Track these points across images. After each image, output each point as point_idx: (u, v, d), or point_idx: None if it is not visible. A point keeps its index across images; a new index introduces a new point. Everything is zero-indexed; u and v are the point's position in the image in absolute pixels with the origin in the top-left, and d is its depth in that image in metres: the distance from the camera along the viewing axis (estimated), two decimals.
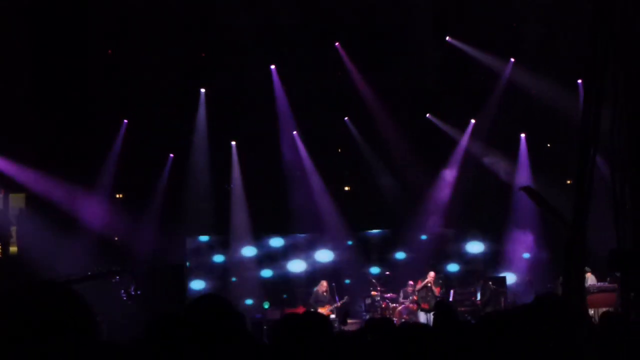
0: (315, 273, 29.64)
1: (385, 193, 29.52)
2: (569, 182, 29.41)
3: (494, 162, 28.90)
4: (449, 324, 11.49)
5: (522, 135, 29.44)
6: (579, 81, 27.44)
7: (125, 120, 27.94)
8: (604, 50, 6.75)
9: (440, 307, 12.32)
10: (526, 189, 12.98)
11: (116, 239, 28.52)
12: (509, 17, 26.49)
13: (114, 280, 22.28)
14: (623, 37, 6.65)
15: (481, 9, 26.03)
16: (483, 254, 30.73)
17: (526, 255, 29.78)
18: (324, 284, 26.41)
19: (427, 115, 29.26)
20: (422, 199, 29.57)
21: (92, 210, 27.26)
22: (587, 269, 24.61)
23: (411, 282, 27.17)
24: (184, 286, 28.26)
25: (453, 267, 30.58)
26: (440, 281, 26.66)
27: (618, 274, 23.60)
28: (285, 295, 29.06)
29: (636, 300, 6.38)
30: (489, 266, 29.93)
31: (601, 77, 6.57)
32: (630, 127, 6.58)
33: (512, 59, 27.74)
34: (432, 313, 25.11)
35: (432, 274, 26.34)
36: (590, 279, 24.56)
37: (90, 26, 25.41)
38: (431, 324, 24.23)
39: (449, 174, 29.67)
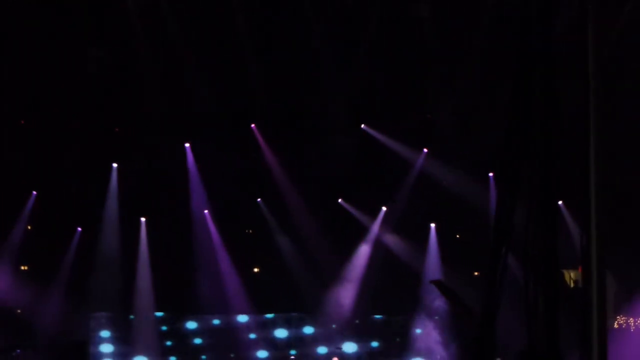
0: None
1: (294, 276, 29.38)
2: (476, 273, 29.69)
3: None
4: None
5: (432, 225, 29.64)
6: (490, 174, 27.87)
7: (34, 192, 27.50)
8: (519, 147, 6.83)
9: None
10: (437, 282, 13.11)
11: (19, 311, 27.94)
12: (424, 109, 26.89)
13: (14, 354, 21.72)
14: (539, 135, 6.74)
15: (397, 100, 26.40)
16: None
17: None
18: None
19: (339, 200, 29.33)
20: (332, 282, 29.52)
21: None
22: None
23: None
24: None
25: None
26: None
27: None
28: None
29: None
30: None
31: (516, 175, 6.64)
32: (545, 224, 6.65)
33: (425, 150, 28.02)
34: None
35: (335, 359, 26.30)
36: None
37: (2, 95, 25.15)
38: None
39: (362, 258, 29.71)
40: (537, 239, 6.55)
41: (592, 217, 6.96)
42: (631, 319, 24.78)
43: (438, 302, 29.40)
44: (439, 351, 29.45)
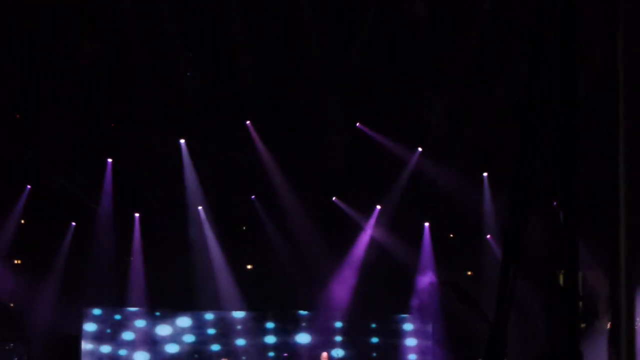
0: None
1: (288, 273, 29.40)
2: (469, 273, 29.78)
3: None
4: None
5: (426, 224, 29.69)
6: (485, 174, 27.94)
7: (29, 186, 27.52)
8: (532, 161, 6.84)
9: None
10: (451, 283, 13.07)
11: (11, 305, 27.99)
12: (419, 108, 26.90)
13: (7, 348, 21.74)
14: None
15: (391, 98, 26.43)
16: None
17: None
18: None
19: (334, 198, 29.36)
20: (326, 280, 29.54)
21: None
22: None
23: None
24: (78, 357, 27.77)
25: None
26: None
27: None
28: None
29: None
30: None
31: (528, 185, 6.65)
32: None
33: (420, 149, 28.04)
34: None
35: (324, 354, 26.30)
36: None
37: None
38: None
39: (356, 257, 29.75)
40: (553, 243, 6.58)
41: (621, 217, 6.94)
42: (638, 317, 24.74)
43: (431, 300, 29.50)
44: (433, 349, 29.54)
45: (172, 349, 29.39)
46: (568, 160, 6.68)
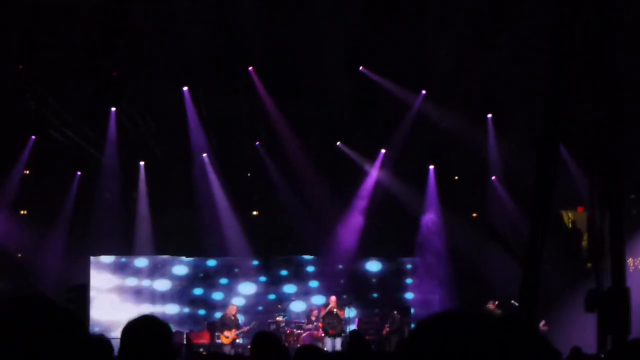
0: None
1: (293, 219, 29.50)
2: (474, 215, 29.94)
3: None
4: (364, 354, 11.59)
5: (431, 167, 29.75)
6: (489, 115, 27.94)
7: (33, 137, 27.52)
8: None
9: (354, 338, 12.41)
10: (488, 227, 13.16)
11: (19, 255, 28.13)
12: (422, 50, 26.78)
13: None
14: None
15: (395, 42, 26.32)
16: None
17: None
18: (233, 309, 26.35)
19: (338, 143, 29.37)
20: (331, 225, 29.68)
21: None
22: (491, 302, 25.01)
23: (314, 308, 27.31)
24: (87, 306, 27.98)
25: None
26: (342, 303, 26.67)
27: None
28: None
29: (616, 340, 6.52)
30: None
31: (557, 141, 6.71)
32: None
33: (423, 91, 27.99)
34: (339, 338, 25.28)
35: (333, 298, 26.46)
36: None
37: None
38: (337, 349, 24.44)
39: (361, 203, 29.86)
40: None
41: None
42: (630, 259, 24.96)
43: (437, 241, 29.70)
44: (438, 290, 29.78)
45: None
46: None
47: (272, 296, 30.11)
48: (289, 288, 30.28)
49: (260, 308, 29.66)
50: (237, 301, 29.05)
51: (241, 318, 27.12)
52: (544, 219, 7.06)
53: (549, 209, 7.09)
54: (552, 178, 6.95)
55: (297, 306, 29.55)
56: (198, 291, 30.05)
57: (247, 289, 30.15)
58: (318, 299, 29.60)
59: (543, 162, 7.28)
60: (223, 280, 30.25)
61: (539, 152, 7.47)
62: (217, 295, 30.04)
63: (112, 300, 29.13)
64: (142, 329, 5.16)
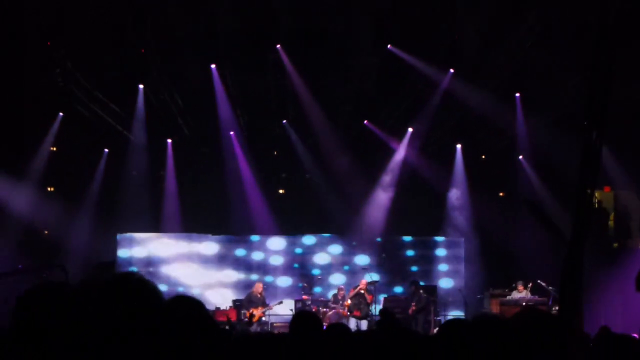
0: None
1: (321, 197, 29.51)
2: (501, 194, 29.83)
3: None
4: (396, 333, 11.52)
5: (459, 146, 29.64)
6: (517, 94, 27.77)
7: (61, 113, 27.59)
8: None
9: (385, 317, 12.33)
10: (528, 203, 13.07)
11: (46, 232, 28.25)
12: (451, 29, 26.61)
13: (44, 275, 21.86)
14: None
15: (423, 20, 26.13)
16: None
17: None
18: (259, 286, 26.37)
19: (365, 121, 29.31)
20: (358, 203, 29.68)
21: (21, 201, 26.94)
22: (520, 282, 24.97)
23: (342, 287, 27.29)
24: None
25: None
26: (372, 288, 26.67)
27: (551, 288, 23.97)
28: None
29: None
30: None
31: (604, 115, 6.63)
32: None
33: (452, 70, 27.83)
34: (364, 320, 25.32)
35: (363, 281, 26.46)
36: (524, 293, 24.91)
37: (28, 18, 25.01)
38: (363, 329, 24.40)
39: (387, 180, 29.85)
40: None
41: None
42: None
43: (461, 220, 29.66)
44: (467, 267, 29.76)
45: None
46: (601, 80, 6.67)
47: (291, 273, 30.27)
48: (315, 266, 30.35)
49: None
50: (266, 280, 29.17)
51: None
52: (589, 201, 6.99)
53: (594, 189, 7.01)
54: (598, 157, 6.87)
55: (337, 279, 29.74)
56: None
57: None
58: (343, 278, 29.64)
59: (590, 141, 7.16)
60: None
61: (585, 132, 7.34)
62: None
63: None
64: (181, 308, 5.11)
